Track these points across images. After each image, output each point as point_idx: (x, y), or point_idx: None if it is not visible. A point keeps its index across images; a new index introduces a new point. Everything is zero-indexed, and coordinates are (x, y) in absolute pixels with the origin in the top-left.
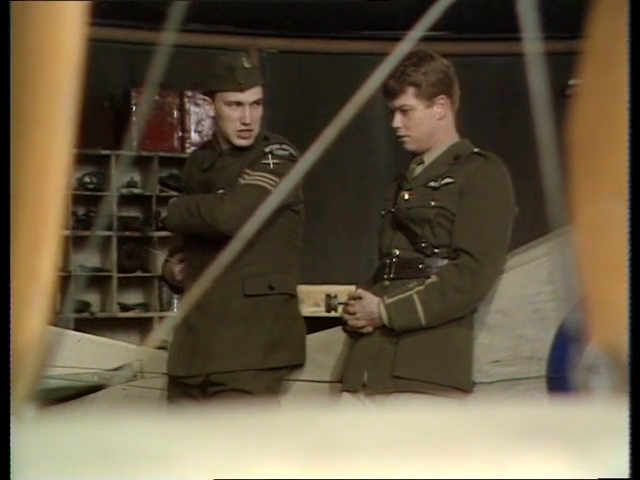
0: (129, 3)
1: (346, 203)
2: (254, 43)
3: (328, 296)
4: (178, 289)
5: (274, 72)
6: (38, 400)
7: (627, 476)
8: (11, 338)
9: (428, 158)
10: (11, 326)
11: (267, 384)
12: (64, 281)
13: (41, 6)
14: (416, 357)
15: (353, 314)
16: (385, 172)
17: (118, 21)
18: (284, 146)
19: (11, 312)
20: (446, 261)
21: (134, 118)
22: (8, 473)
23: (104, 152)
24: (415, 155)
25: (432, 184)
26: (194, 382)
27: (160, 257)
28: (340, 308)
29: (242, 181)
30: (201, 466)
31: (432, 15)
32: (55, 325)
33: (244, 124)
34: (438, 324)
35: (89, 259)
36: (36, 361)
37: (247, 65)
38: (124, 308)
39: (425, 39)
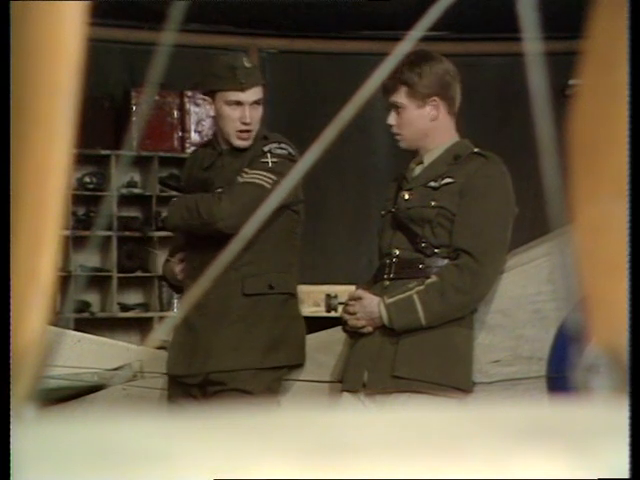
0: (129, 3)
1: (346, 203)
2: (254, 43)
3: (328, 296)
4: (179, 289)
5: (274, 72)
6: (38, 400)
7: (627, 476)
8: (11, 338)
9: (428, 158)
10: (11, 326)
11: (267, 384)
12: (64, 281)
13: (41, 6)
14: (416, 357)
15: (353, 314)
16: (385, 172)
17: (118, 21)
18: (283, 145)
19: (11, 312)
20: (446, 261)
21: (134, 118)
22: (8, 473)
23: (104, 152)
24: (415, 155)
25: (432, 184)
26: (194, 381)
27: (160, 257)
28: (340, 308)
29: (240, 179)
30: (201, 466)
31: (432, 15)
32: (55, 325)
33: (244, 124)
34: (438, 324)
35: (89, 259)
36: (36, 361)
37: (248, 65)
38: (124, 308)
39: (425, 39)
